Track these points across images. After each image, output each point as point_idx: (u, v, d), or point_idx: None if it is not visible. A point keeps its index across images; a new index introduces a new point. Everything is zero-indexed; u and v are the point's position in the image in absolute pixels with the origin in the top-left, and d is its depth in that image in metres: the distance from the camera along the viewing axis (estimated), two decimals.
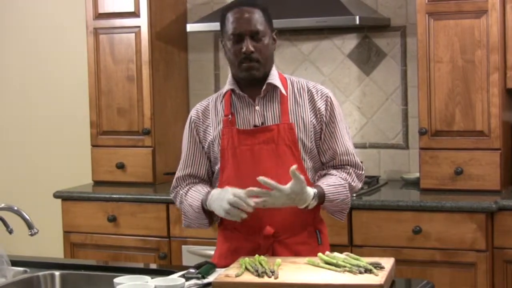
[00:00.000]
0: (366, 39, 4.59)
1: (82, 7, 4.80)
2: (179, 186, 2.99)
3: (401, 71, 4.53)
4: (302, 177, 2.69)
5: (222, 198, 2.74)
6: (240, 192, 2.71)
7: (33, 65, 5.37)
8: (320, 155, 2.92)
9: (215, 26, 4.40)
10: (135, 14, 4.64)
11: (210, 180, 2.99)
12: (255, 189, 2.70)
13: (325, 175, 2.91)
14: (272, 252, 2.81)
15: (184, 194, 2.95)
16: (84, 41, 4.79)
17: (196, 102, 3.12)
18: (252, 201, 2.69)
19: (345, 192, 2.87)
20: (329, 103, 2.89)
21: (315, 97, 2.89)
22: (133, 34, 4.64)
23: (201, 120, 2.94)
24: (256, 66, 2.81)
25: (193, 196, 2.91)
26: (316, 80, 4.11)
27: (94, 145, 4.78)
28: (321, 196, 2.80)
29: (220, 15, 2.90)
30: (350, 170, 2.93)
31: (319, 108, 2.88)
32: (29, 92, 5.39)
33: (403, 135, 4.55)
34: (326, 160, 2.93)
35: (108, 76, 4.70)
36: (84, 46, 4.80)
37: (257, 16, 2.82)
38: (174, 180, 3.01)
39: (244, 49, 2.78)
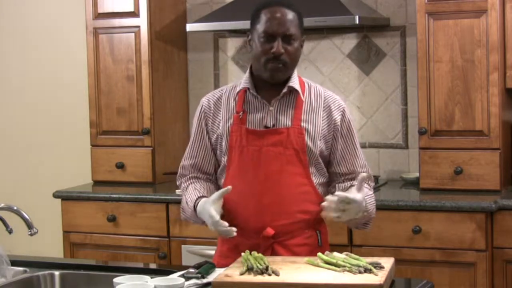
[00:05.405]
0: (366, 38, 4.58)
1: (81, 7, 4.80)
2: (183, 177, 2.99)
3: (400, 71, 4.53)
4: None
5: (207, 219, 2.77)
6: (216, 217, 2.72)
7: (33, 65, 5.36)
8: (335, 166, 2.90)
9: (215, 26, 4.46)
10: (134, 14, 4.63)
11: (216, 171, 2.97)
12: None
13: (350, 187, 2.88)
14: (271, 252, 2.81)
15: (185, 188, 2.96)
16: (84, 41, 4.78)
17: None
18: (231, 230, 2.71)
19: (374, 202, 2.90)
20: (346, 116, 2.88)
21: (332, 107, 2.87)
22: (133, 34, 4.63)
23: (212, 110, 2.91)
24: (282, 69, 2.78)
25: (190, 194, 2.90)
26: (316, 80, 4.11)
27: (93, 145, 4.77)
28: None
29: (253, 10, 2.84)
30: (369, 181, 2.95)
31: (334, 119, 2.86)
32: (29, 92, 5.39)
33: (402, 134, 4.55)
34: (343, 172, 2.91)
35: (107, 76, 4.70)
36: (83, 46, 4.79)
37: (292, 19, 2.78)
38: (180, 167, 3.01)
39: (274, 49, 2.75)
